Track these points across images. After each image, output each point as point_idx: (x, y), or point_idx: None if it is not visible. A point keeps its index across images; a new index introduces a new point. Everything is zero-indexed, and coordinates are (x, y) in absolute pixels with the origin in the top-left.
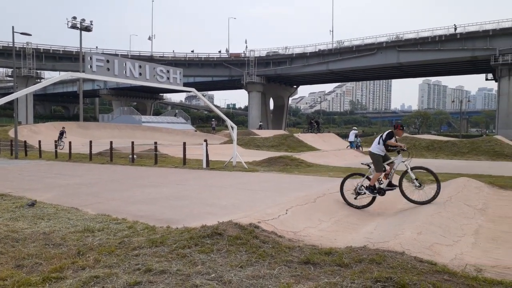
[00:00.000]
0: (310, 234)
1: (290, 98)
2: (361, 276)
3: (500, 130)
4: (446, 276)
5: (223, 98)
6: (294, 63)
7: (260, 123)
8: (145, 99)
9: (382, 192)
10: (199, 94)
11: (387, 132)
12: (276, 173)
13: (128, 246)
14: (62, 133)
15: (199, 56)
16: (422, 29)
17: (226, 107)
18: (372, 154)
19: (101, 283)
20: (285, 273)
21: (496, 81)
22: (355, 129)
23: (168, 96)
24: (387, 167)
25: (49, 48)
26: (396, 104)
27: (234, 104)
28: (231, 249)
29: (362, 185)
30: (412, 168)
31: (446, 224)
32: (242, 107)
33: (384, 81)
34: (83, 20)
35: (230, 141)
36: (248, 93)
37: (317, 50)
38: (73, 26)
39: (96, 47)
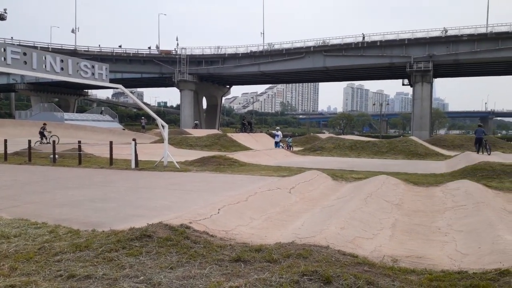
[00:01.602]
0: (241, 232)
1: (224, 98)
2: (289, 271)
3: (415, 131)
4: (366, 267)
5: (153, 96)
6: (226, 63)
7: (196, 122)
8: (68, 95)
9: None
10: (126, 90)
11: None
12: (209, 172)
13: (49, 252)
14: (42, 131)
15: (127, 51)
16: (346, 36)
17: (157, 105)
18: None
19: None
20: (216, 272)
21: (411, 87)
22: (278, 130)
23: (93, 93)
24: None
25: None
26: (323, 106)
27: (166, 102)
28: (161, 250)
29: None
30: None
31: (367, 218)
32: (174, 106)
33: (312, 84)
34: None
35: (161, 140)
36: (180, 91)
37: (248, 51)
38: None
39: (12, 37)
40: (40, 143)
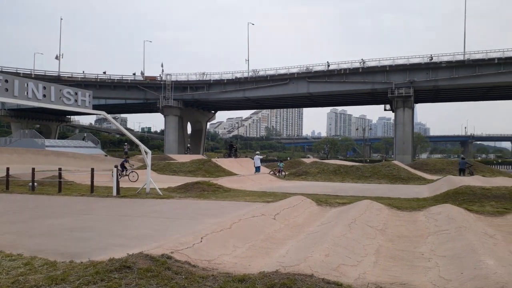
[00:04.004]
0: (224, 261)
1: (209, 123)
2: None
3: (397, 156)
4: None
5: (137, 121)
6: (211, 89)
7: (188, 145)
8: (50, 122)
9: None
10: (109, 117)
11: None
12: (193, 199)
13: (24, 286)
14: (124, 163)
15: (111, 77)
16: (331, 62)
17: (140, 130)
18: None
19: None
20: None
21: (393, 112)
22: (258, 154)
23: (76, 119)
24: None
25: None
26: (307, 131)
27: (150, 128)
28: (141, 282)
29: None
30: None
31: (351, 245)
32: (159, 131)
33: (297, 109)
34: None
35: (144, 167)
36: (165, 116)
37: (234, 77)
38: None
39: None
40: (120, 176)
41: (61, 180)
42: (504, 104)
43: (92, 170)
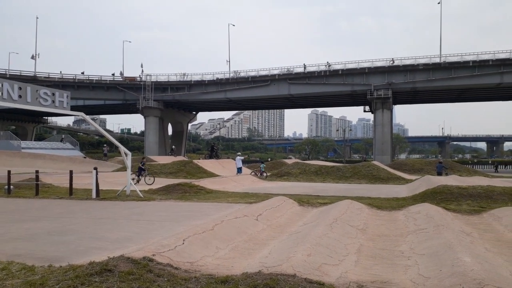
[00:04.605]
0: (207, 263)
1: (190, 124)
2: None
3: (377, 156)
4: None
5: (117, 123)
6: (192, 89)
7: (172, 147)
8: (26, 123)
9: None
10: (87, 118)
11: None
12: (174, 201)
13: None
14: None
15: (90, 78)
16: (309, 64)
17: (120, 132)
18: None
19: None
20: None
21: (372, 113)
22: (240, 155)
23: (53, 120)
24: None
25: None
26: (289, 132)
27: (129, 129)
28: (122, 286)
29: None
30: None
31: (333, 244)
32: (138, 132)
33: (278, 110)
34: None
35: (123, 168)
36: (145, 118)
37: (215, 78)
38: None
39: None
40: (137, 181)
41: (39, 182)
42: (479, 106)
43: (71, 172)
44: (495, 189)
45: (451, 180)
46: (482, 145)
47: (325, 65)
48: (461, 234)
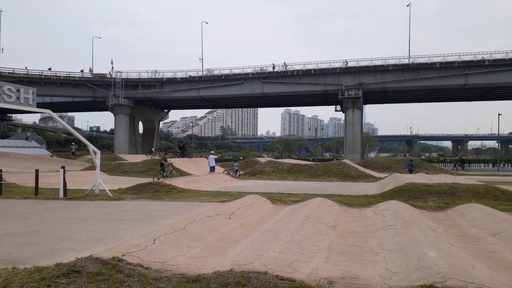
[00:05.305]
0: (178, 262)
1: (161, 122)
2: None
3: (348, 154)
4: None
5: (85, 120)
6: (164, 87)
7: (152, 149)
8: None
9: None
10: (54, 115)
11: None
12: (145, 200)
13: None
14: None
15: (57, 74)
16: (278, 64)
17: (89, 129)
18: None
19: None
20: None
21: (343, 112)
22: (213, 154)
23: (18, 117)
24: None
25: None
26: (262, 130)
27: (99, 127)
28: (91, 287)
29: None
30: None
31: (304, 241)
32: (108, 130)
33: (252, 109)
34: None
35: (92, 167)
36: (115, 115)
37: (187, 76)
38: None
39: None
40: (162, 176)
41: (2, 182)
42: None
43: (37, 171)
44: (459, 186)
45: (419, 178)
46: (448, 144)
47: (282, 66)
48: (427, 230)
